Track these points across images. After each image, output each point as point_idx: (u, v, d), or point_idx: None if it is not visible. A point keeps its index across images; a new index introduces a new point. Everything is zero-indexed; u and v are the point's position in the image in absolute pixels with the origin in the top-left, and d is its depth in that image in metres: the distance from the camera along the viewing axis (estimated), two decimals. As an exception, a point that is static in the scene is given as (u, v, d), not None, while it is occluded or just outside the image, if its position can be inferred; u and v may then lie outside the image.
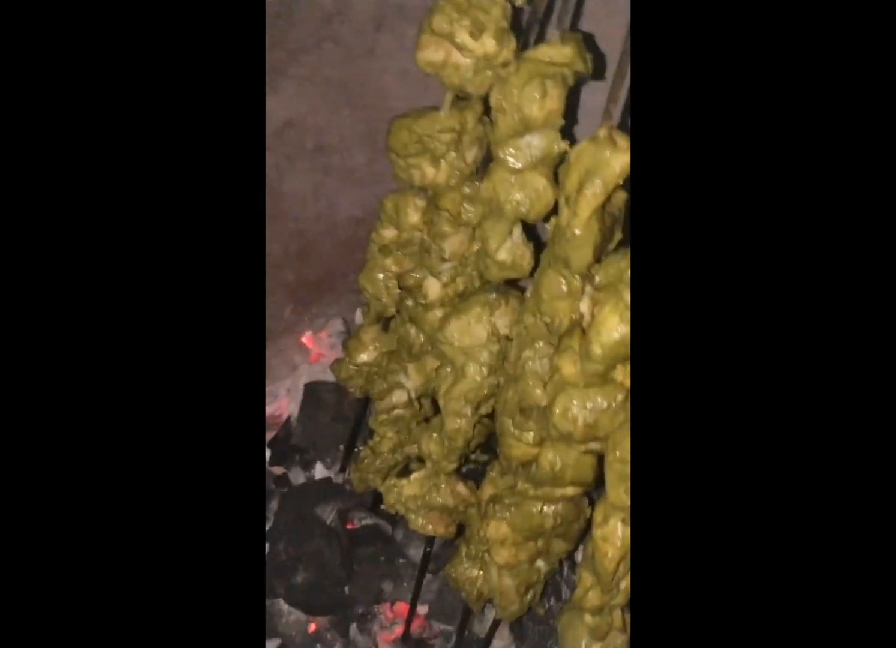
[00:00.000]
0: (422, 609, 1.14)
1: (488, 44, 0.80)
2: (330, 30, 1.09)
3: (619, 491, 0.79)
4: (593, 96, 0.83)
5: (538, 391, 0.85)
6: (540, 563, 0.96)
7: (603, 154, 0.73)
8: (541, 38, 0.82)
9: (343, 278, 1.33)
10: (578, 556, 1.11)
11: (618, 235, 0.81)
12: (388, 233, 0.96)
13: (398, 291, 0.98)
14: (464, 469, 1.05)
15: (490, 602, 1.05)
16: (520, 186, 0.82)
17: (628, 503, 0.78)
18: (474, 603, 1.02)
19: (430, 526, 1.04)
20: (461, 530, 1.07)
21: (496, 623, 1.07)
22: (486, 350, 0.91)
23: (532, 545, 0.93)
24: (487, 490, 0.95)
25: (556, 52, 0.77)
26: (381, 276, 0.99)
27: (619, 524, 0.81)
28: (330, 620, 1.14)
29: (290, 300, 1.33)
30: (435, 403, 1.06)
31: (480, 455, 1.10)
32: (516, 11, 0.83)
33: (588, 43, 0.79)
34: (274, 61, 1.09)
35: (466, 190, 0.90)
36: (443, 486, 1.01)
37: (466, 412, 0.94)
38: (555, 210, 0.84)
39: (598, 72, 0.81)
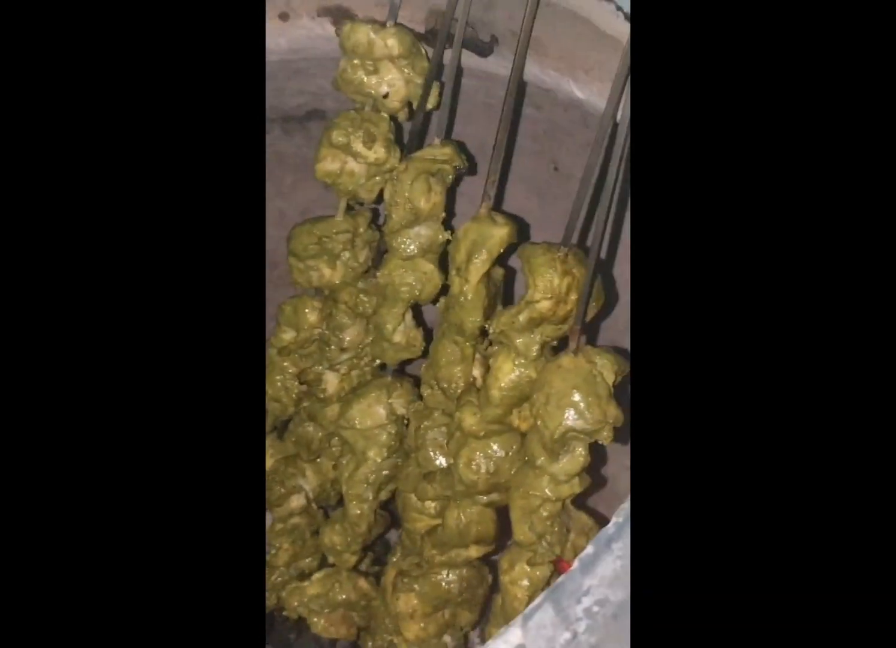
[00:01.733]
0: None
1: (379, 152, 0.90)
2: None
3: (523, 528, 0.83)
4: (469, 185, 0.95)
5: (439, 458, 0.92)
6: (446, 638, 0.99)
7: (486, 229, 0.83)
8: (419, 147, 0.90)
9: None
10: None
11: (498, 306, 0.89)
12: (287, 335, 1.02)
13: (296, 391, 1.04)
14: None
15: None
16: (412, 271, 0.91)
17: (533, 539, 0.84)
18: None
19: (332, 628, 1.06)
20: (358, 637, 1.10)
21: None
22: (385, 432, 0.98)
23: (440, 616, 0.97)
24: (392, 573, 0.99)
25: (438, 151, 0.87)
26: (279, 378, 1.04)
27: (525, 566, 0.86)
28: None
29: None
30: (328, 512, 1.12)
31: (371, 567, 1.13)
32: (399, 126, 0.93)
33: (462, 146, 0.90)
34: None
35: (360, 286, 0.97)
36: (345, 582, 1.05)
37: (368, 496, 0.99)
38: (442, 292, 0.92)
39: (473, 168, 0.92)
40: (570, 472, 0.80)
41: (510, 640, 0.45)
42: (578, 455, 0.79)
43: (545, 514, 0.83)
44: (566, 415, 0.77)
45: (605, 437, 0.78)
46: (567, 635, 0.45)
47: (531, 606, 0.46)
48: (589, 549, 0.48)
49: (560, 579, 0.47)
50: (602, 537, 0.48)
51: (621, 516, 0.49)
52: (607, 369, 0.78)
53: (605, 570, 0.47)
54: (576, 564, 0.47)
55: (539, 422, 0.79)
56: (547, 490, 0.81)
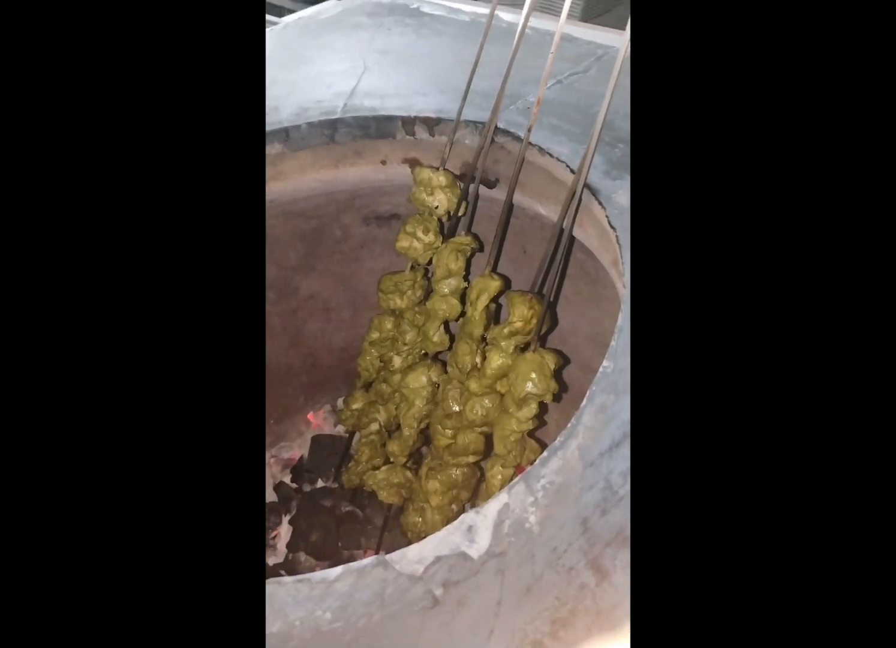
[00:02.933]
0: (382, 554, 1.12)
1: (430, 237, 0.92)
2: (338, 247, 1.15)
3: (500, 446, 0.83)
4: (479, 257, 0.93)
5: (454, 406, 0.92)
6: (454, 506, 0.97)
7: (487, 282, 0.84)
8: (453, 235, 0.91)
9: (333, 380, 1.34)
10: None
11: (492, 325, 0.87)
12: (374, 335, 1.02)
13: (377, 365, 1.05)
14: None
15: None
16: (445, 303, 0.92)
17: (505, 453, 0.83)
18: (415, 539, 1.01)
19: (390, 497, 1.05)
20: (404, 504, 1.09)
21: None
22: (425, 390, 0.98)
23: (451, 493, 0.96)
24: (425, 468, 0.98)
25: (463, 239, 0.89)
26: (369, 358, 1.05)
27: (500, 468, 0.85)
28: (328, 563, 1.10)
29: (303, 393, 1.33)
30: (391, 432, 1.12)
31: (413, 464, 1.12)
32: (442, 224, 0.94)
33: (476, 237, 0.91)
34: (309, 262, 1.15)
35: (416, 309, 0.98)
36: (398, 472, 1.04)
37: (414, 425, 0.99)
38: (461, 315, 0.93)
39: (481, 248, 0.92)
40: (528, 417, 0.80)
41: (501, 499, 0.46)
42: (532, 408, 0.80)
43: (512, 439, 0.83)
44: (526, 385, 0.77)
45: (548, 398, 0.78)
46: (531, 498, 0.46)
47: (512, 482, 0.47)
48: (544, 454, 0.49)
49: (527, 469, 0.48)
50: (551, 448, 0.49)
51: (563, 436, 0.50)
52: (551, 361, 0.78)
53: (553, 465, 0.48)
54: (537, 461, 0.48)
55: (512, 388, 0.79)
56: (514, 426, 0.81)
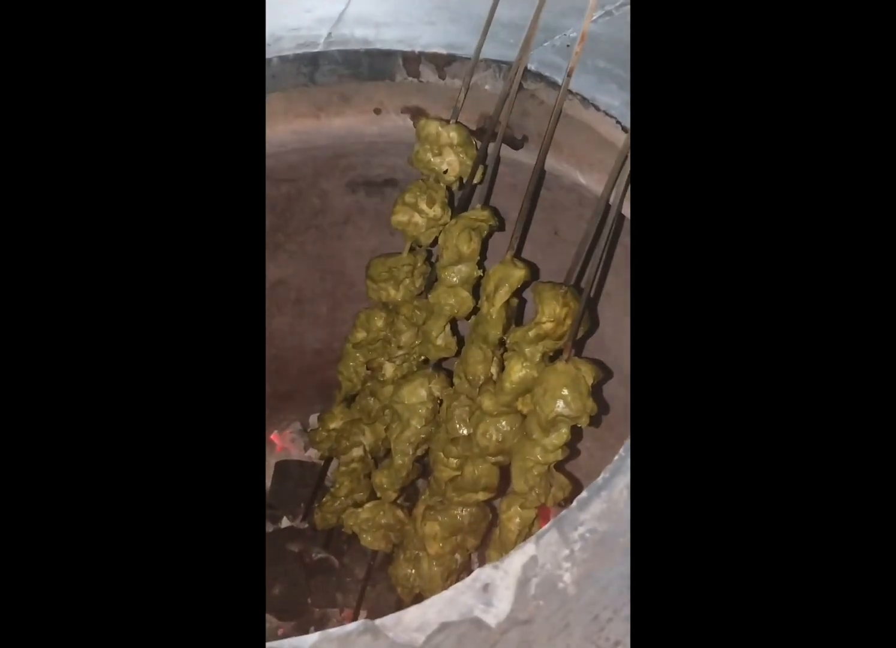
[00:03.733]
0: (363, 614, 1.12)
1: (437, 210, 0.91)
2: (315, 221, 1.15)
3: (520, 482, 0.83)
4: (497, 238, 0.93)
5: (462, 429, 0.91)
6: (457, 556, 0.98)
7: (509, 269, 0.83)
8: (465, 209, 0.90)
9: (304, 392, 1.35)
10: (475, 566, 1.15)
11: (512, 325, 0.88)
12: (360, 335, 1.02)
13: (363, 373, 1.05)
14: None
15: (416, 600, 1.06)
16: (453, 296, 0.91)
17: (526, 490, 0.83)
18: (406, 596, 1.02)
19: (375, 542, 1.05)
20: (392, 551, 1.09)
21: None
22: (424, 407, 0.97)
23: (453, 539, 0.96)
24: (421, 507, 0.98)
25: (479, 213, 0.88)
26: (352, 364, 1.04)
27: (518, 509, 0.85)
28: (295, 624, 1.11)
29: (265, 407, 1.26)
30: (378, 459, 1.12)
31: (405, 502, 1.13)
32: (452, 194, 0.94)
33: (495, 212, 0.90)
34: (277, 240, 1.15)
35: (415, 303, 0.98)
36: (387, 511, 1.04)
37: (409, 452, 0.99)
38: (473, 312, 0.92)
39: (500, 226, 0.92)
40: (556, 444, 0.80)
41: (526, 551, 0.46)
42: (563, 433, 0.79)
43: (536, 473, 0.83)
44: (557, 404, 0.77)
45: (583, 422, 0.78)
46: (566, 551, 0.46)
47: (541, 530, 0.47)
48: (584, 494, 0.48)
49: (561, 513, 0.48)
50: (594, 486, 0.48)
51: (608, 472, 0.49)
52: (588, 374, 0.78)
53: (595, 509, 0.48)
54: (574, 504, 0.48)
55: (537, 408, 0.79)
56: (538, 456, 0.81)
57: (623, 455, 0.50)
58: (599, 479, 0.49)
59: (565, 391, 0.77)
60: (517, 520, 0.86)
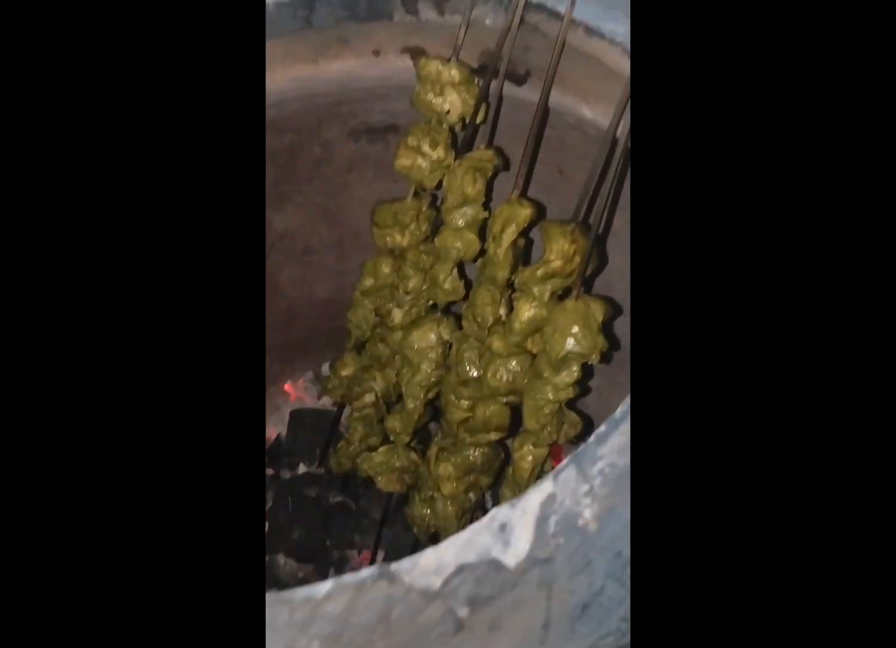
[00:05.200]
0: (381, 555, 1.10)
1: (440, 152, 0.86)
2: (319, 171, 1.10)
3: (532, 421, 0.80)
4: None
5: (472, 370, 0.88)
6: (471, 494, 0.96)
7: (515, 209, 0.80)
8: (469, 150, 0.86)
9: (316, 341, 1.30)
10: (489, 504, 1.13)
11: (520, 266, 0.84)
12: (368, 282, 0.98)
13: (373, 320, 1.01)
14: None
15: (432, 539, 1.04)
16: (459, 239, 0.87)
17: (538, 428, 0.80)
18: (422, 535, 1.00)
19: (391, 484, 1.03)
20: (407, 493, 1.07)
21: None
22: (434, 351, 0.94)
23: (467, 479, 0.94)
24: (435, 448, 0.96)
25: (483, 154, 0.84)
26: (361, 311, 1.01)
27: (531, 447, 0.83)
28: (314, 567, 1.09)
29: (278, 359, 1.28)
30: (391, 404, 1.09)
31: (418, 445, 1.10)
32: (455, 134, 0.89)
33: (499, 151, 0.86)
34: (280, 191, 1.09)
35: (421, 248, 0.94)
36: (401, 453, 1.02)
37: (420, 396, 0.96)
38: (479, 255, 0.88)
39: (505, 166, 0.88)
40: (567, 382, 0.77)
41: (544, 489, 0.42)
42: (574, 371, 0.76)
43: (547, 411, 0.80)
44: (567, 342, 0.73)
45: (594, 359, 0.75)
46: (586, 487, 0.42)
47: (559, 466, 0.43)
48: (602, 428, 0.45)
49: (580, 448, 0.45)
50: (612, 420, 0.45)
51: (625, 405, 0.45)
52: (598, 311, 0.74)
53: (614, 443, 0.44)
54: (592, 438, 0.44)
55: (547, 347, 0.76)
56: (549, 395, 0.78)
57: (642, 388, 0.46)
58: (617, 413, 0.45)
59: (575, 329, 0.73)
60: (530, 458, 0.84)
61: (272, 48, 0.90)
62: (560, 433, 0.82)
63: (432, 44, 0.87)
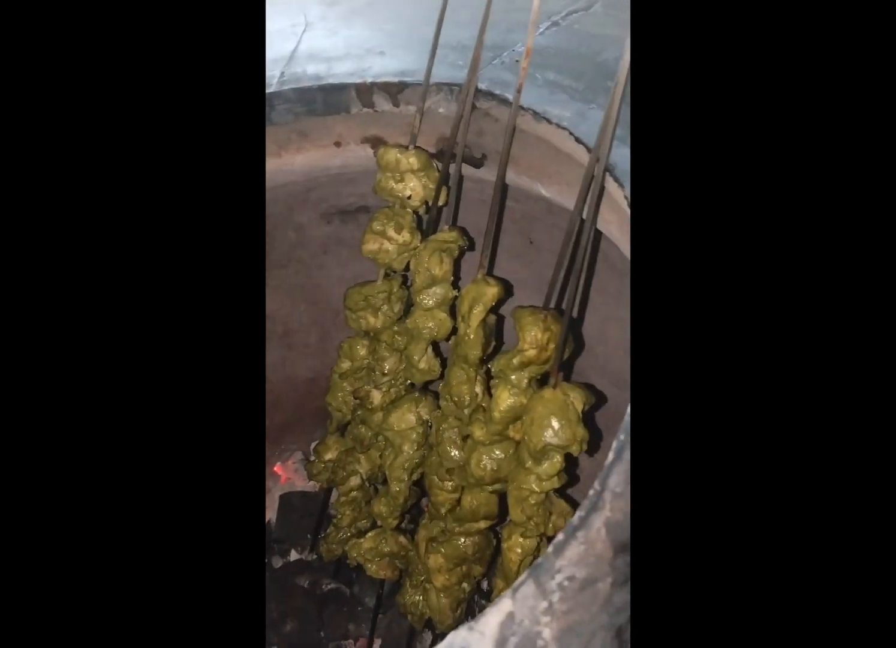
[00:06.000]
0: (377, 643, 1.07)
1: (405, 236, 0.87)
2: (294, 254, 1.12)
3: (517, 511, 0.77)
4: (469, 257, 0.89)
5: (454, 452, 0.87)
6: (464, 585, 0.93)
7: (482, 288, 0.79)
8: (434, 232, 0.87)
9: (302, 421, 1.31)
10: (485, 585, 1.10)
11: (493, 343, 0.84)
12: (345, 365, 0.98)
13: (352, 402, 1.00)
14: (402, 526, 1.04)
15: (427, 625, 1.01)
16: (430, 319, 0.87)
17: (524, 519, 0.77)
18: (417, 623, 0.98)
19: (382, 571, 1.01)
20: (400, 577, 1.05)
21: (433, 642, 1.03)
22: (414, 432, 0.93)
23: (459, 570, 0.91)
24: (423, 534, 0.93)
25: (448, 235, 0.84)
26: (340, 394, 1.00)
27: (519, 538, 0.79)
28: None
29: (266, 440, 1.24)
30: (377, 488, 1.08)
31: (408, 524, 1.09)
32: (419, 218, 0.90)
33: (464, 231, 0.86)
34: None
35: (395, 329, 0.94)
36: (389, 538, 1.00)
37: (404, 478, 0.94)
38: (452, 333, 0.88)
39: (472, 245, 0.88)
40: (550, 473, 0.74)
41: (502, 608, 0.41)
42: (556, 462, 0.73)
43: (532, 502, 0.77)
44: (545, 434, 0.71)
45: (574, 450, 0.71)
46: (545, 604, 0.41)
47: (517, 581, 0.42)
48: (559, 536, 0.43)
49: (538, 560, 0.43)
50: (569, 527, 0.43)
51: (583, 509, 0.44)
52: (578, 400, 0.71)
53: (572, 552, 0.42)
54: (550, 548, 0.43)
55: (526, 438, 0.73)
56: (533, 485, 0.75)
57: (597, 490, 0.45)
58: (575, 518, 0.43)
59: (554, 420, 0.70)
60: (518, 550, 0.80)
61: (237, 143, 0.92)
62: (548, 525, 0.78)
63: (390, 132, 0.89)
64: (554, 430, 0.70)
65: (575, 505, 0.79)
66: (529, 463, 0.74)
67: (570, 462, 0.74)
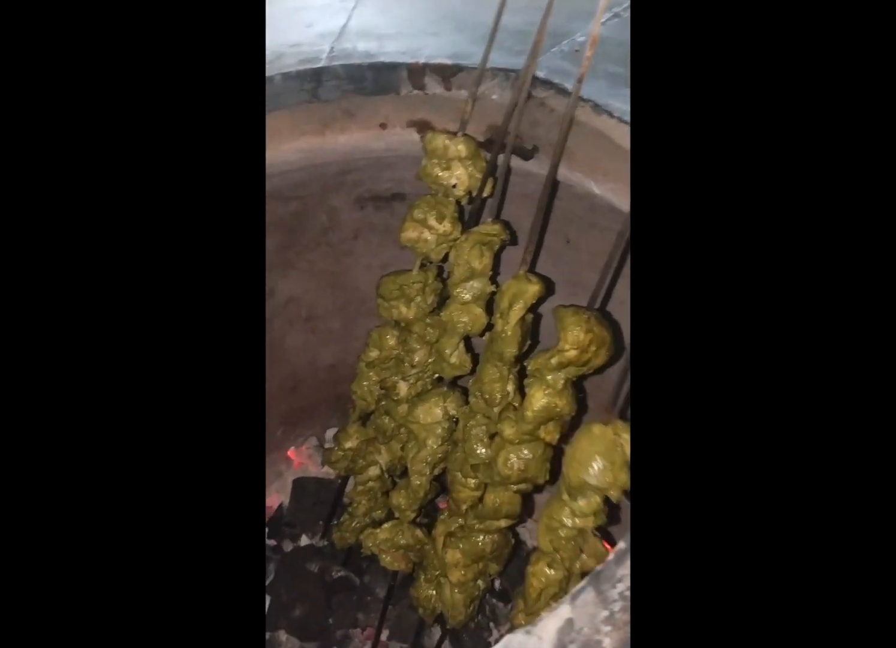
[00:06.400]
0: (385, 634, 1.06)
1: (447, 226, 0.85)
2: (325, 238, 1.10)
3: (545, 540, 0.74)
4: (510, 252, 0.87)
5: (479, 449, 0.85)
6: (479, 582, 0.92)
7: (523, 285, 0.76)
8: (476, 224, 0.84)
9: (320, 407, 1.29)
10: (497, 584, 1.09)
11: (528, 342, 0.81)
12: (373, 353, 0.96)
13: (377, 392, 0.99)
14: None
15: (438, 620, 1.00)
16: (466, 313, 0.85)
17: (551, 550, 0.74)
18: (428, 617, 0.97)
19: (395, 563, 1.00)
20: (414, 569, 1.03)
21: (442, 638, 1.01)
22: (440, 426, 0.91)
23: (476, 566, 0.90)
24: (441, 528, 0.92)
25: (490, 228, 0.81)
26: (366, 383, 0.98)
27: (545, 567, 0.75)
28: (317, 645, 1.05)
29: (282, 424, 1.28)
30: (396, 478, 1.06)
31: (422, 519, 1.08)
32: (462, 208, 0.87)
33: (507, 225, 0.84)
34: (287, 258, 1.09)
35: (427, 321, 0.92)
36: (406, 531, 0.98)
37: (426, 472, 0.93)
38: (486, 329, 0.86)
39: (513, 240, 0.86)
40: (586, 511, 0.70)
41: (561, 614, 0.39)
42: (594, 501, 0.69)
43: (562, 535, 0.73)
44: (586, 471, 0.67)
45: (612, 495, 0.67)
46: (605, 613, 0.39)
47: (577, 587, 0.40)
48: (621, 544, 0.41)
49: (598, 567, 0.41)
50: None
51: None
52: (628, 443, 0.66)
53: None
54: (611, 556, 0.41)
55: (565, 470, 0.69)
56: (565, 519, 0.72)
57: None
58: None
59: (597, 460, 0.66)
60: (542, 579, 0.76)
61: (279, 119, 0.90)
62: (577, 562, 0.74)
63: (439, 117, 0.86)
64: (595, 470, 0.66)
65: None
66: (565, 496, 0.70)
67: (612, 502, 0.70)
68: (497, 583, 1.07)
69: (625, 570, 0.41)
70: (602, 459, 0.66)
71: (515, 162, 0.85)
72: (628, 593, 0.40)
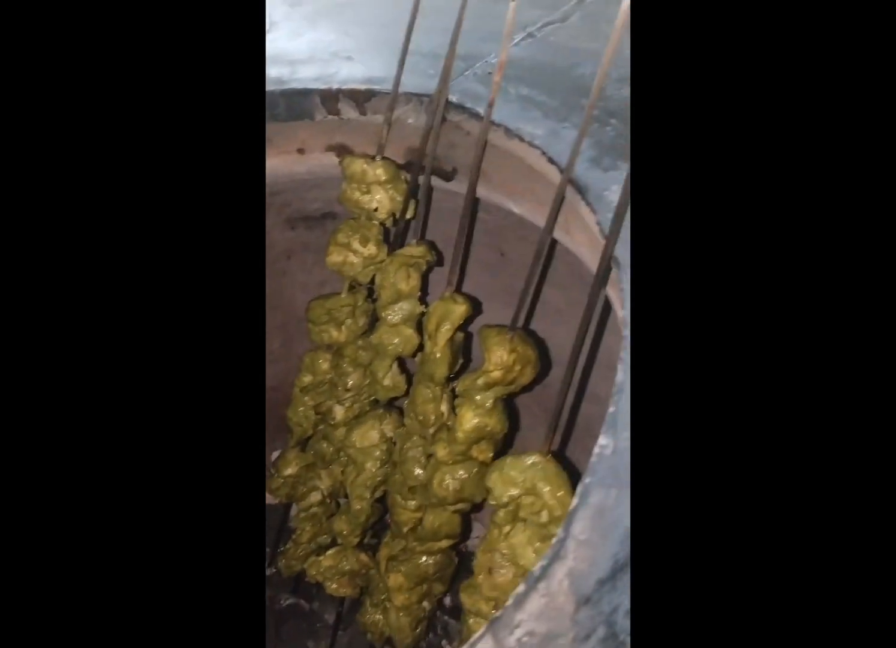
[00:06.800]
0: (336, 660, 1.06)
1: (371, 249, 0.85)
2: (257, 260, 1.10)
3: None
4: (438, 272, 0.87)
5: (417, 470, 0.85)
6: (425, 603, 0.92)
7: (450, 306, 0.76)
8: (401, 245, 0.85)
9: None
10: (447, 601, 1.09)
11: (460, 361, 0.82)
12: (307, 378, 0.96)
13: (313, 418, 0.98)
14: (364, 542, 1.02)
15: (387, 643, 1.00)
16: (396, 335, 0.85)
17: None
18: (377, 641, 0.96)
19: (342, 589, 0.99)
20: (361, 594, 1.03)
21: None
22: (378, 449, 0.91)
23: (419, 589, 0.90)
24: (384, 552, 0.91)
25: (415, 249, 0.82)
26: (301, 408, 0.98)
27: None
28: None
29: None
30: (339, 503, 1.06)
31: (371, 539, 1.08)
32: (386, 230, 0.87)
33: (433, 245, 0.84)
34: None
35: (360, 343, 0.91)
36: (349, 556, 0.98)
37: (366, 496, 0.92)
38: (419, 349, 0.86)
39: (439, 261, 0.86)
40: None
41: (460, 668, 0.39)
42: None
43: None
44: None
45: None
46: (505, 662, 0.39)
47: (475, 636, 0.40)
48: (520, 587, 0.42)
49: (497, 613, 0.41)
50: (530, 577, 0.42)
51: (546, 558, 0.43)
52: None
53: (532, 606, 0.41)
54: (510, 601, 0.41)
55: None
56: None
57: (561, 537, 0.43)
58: (536, 568, 0.42)
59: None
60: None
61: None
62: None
63: (357, 141, 0.86)
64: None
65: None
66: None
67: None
68: (448, 599, 1.07)
69: (523, 615, 0.41)
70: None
71: (438, 181, 0.86)
72: (526, 638, 0.40)
